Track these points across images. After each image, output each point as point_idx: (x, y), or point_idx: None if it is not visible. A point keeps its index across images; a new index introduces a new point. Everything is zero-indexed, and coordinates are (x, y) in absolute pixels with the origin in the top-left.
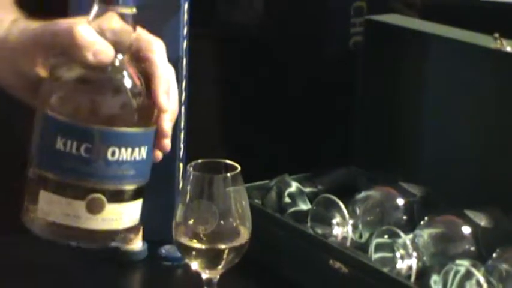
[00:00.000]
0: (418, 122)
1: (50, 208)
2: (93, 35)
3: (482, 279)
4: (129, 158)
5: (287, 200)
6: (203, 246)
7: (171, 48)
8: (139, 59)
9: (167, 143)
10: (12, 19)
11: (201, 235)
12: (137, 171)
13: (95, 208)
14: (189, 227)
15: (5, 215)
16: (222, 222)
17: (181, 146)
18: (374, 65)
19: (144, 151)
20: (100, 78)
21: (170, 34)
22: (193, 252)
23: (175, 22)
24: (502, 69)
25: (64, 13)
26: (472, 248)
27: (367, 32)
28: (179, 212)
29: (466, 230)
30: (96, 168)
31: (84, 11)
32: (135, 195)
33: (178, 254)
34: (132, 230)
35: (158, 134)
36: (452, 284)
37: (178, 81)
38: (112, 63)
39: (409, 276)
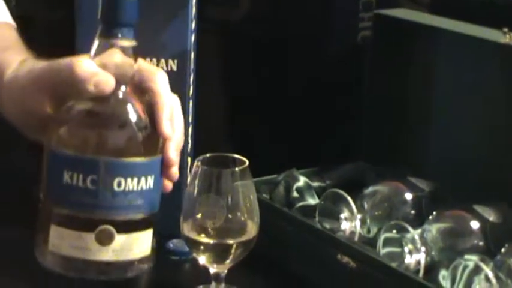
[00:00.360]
0: (426, 116)
1: (60, 242)
2: (93, 66)
3: (490, 274)
4: (135, 188)
5: (295, 194)
6: (211, 241)
7: (179, 43)
8: (142, 90)
9: (175, 171)
10: (21, 60)
11: (209, 229)
12: (145, 201)
13: (104, 239)
14: (197, 222)
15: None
16: (230, 216)
17: (189, 140)
18: (382, 59)
19: (151, 180)
20: (105, 112)
21: (178, 28)
22: (201, 247)
23: (184, 16)
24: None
25: (72, 52)
26: (481, 243)
27: (376, 27)
28: (187, 207)
29: (475, 224)
30: (103, 199)
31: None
32: (144, 225)
33: (186, 248)
34: (145, 260)
35: (165, 163)
36: (460, 278)
37: (186, 75)
38: (116, 96)
39: (418, 271)
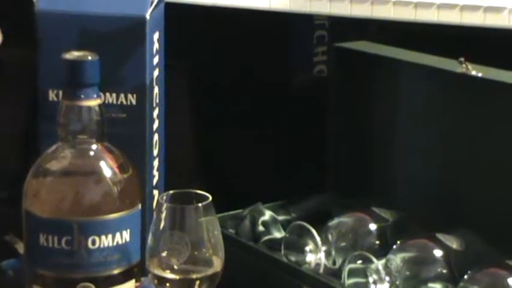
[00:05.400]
0: (389, 146)
1: None
2: None
3: None
4: (111, 244)
5: (261, 228)
6: (177, 277)
7: (136, 77)
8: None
9: None
10: None
11: (175, 266)
12: (122, 255)
13: None
14: (162, 258)
15: None
16: (195, 252)
17: (155, 173)
18: (344, 91)
19: (126, 234)
20: (80, 170)
21: (134, 63)
22: (167, 284)
23: (140, 51)
24: (469, 91)
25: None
26: (444, 271)
27: (336, 59)
28: (152, 244)
29: (438, 253)
30: (79, 258)
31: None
32: (125, 278)
33: (153, 286)
34: None
35: None
36: None
37: (146, 108)
38: (89, 154)
39: None
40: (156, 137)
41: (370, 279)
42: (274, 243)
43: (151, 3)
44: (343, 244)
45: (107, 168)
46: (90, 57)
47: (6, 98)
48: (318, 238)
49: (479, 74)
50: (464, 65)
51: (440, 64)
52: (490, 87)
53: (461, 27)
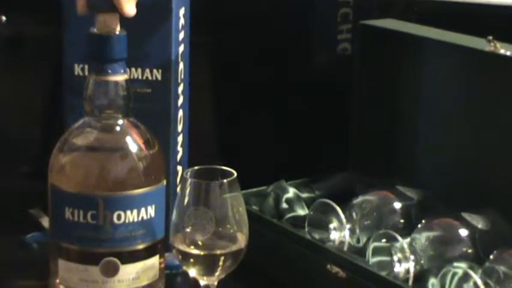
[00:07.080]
0: (414, 125)
1: (68, 275)
2: None
3: (479, 282)
4: (136, 219)
5: (284, 205)
6: (201, 253)
7: (162, 52)
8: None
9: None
10: None
11: (199, 242)
12: (147, 231)
13: (109, 271)
14: (186, 234)
15: None
16: (219, 228)
17: (179, 149)
18: (369, 69)
19: (151, 210)
20: (106, 145)
21: (160, 38)
22: (191, 259)
23: (166, 26)
24: (497, 71)
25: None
26: (470, 251)
27: (362, 37)
28: (176, 219)
29: (463, 232)
30: (104, 233)
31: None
32: (149, 253)
33: (177, 262)
34: (153, 285)
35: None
36: (450, 286)
37: (171, 84)
38: (115, 130)
39: (407, 280)
40: (180, 112)
41: (395, 258)
42: (298, 221)
43: None
44: (367, 222)
45: (133, 144)
46: (117, 32)
47: (30, 73)
48: (342, 216)
49: (508, 53)
50: (492, 44)
51: (468, 42)
52: None
53: (489, 6)
